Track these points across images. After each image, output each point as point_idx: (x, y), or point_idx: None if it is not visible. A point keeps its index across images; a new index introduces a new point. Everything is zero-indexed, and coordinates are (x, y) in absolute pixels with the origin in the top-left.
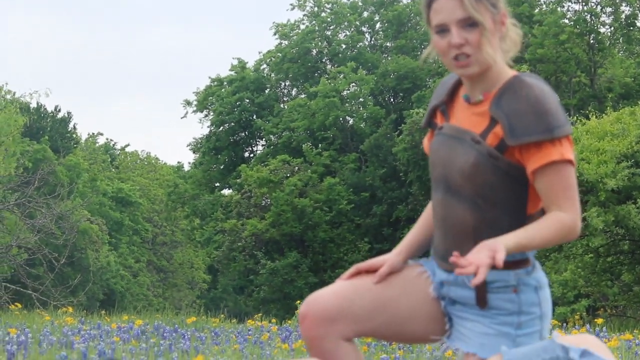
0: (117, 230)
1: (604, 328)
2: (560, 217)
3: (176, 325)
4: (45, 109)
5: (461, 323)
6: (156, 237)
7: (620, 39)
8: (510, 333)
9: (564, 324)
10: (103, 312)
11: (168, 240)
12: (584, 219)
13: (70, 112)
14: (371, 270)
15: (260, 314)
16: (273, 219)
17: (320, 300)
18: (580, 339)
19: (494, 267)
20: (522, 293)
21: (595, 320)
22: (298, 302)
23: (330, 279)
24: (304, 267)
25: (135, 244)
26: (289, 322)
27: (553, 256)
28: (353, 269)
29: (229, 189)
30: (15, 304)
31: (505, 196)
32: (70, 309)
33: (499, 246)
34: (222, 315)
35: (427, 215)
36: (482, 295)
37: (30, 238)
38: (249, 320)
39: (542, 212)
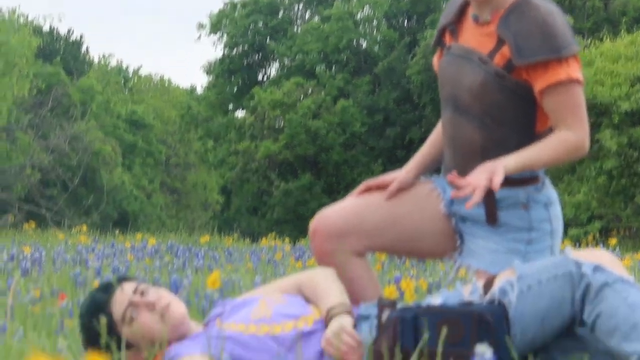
0: (130, 152)
1: (617, 249)
2: (566, 136)
3: (190, 245)
4: (58, 32)
5: (472, 240)
6: (169, 159)
7: None
8: (520, 249)
9: (577, 245)
10: (117, 231)
11: (181, 162)
12: (597, 141)
13: (82, 35)
14: (381, 187)
15: (273, 234)
16: (286, 141)
17: (330, 215)
18: (593, 254)
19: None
20: (532, 209)
21: (609, 241)
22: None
23: None
24: (317, 188)
25: (149, 165)
26: (302, 241)
27: (566, 178)
28: (363, 185)
29: (243, 111)
30: (30, 223)
31: (513, 115)
32: (84, 228)
33: (497, 168)
34: (236, 235)
35: (437, 134)
36: (491, 212)
37: (44, 158)
38: (263, 239)
39: (551, 131)
